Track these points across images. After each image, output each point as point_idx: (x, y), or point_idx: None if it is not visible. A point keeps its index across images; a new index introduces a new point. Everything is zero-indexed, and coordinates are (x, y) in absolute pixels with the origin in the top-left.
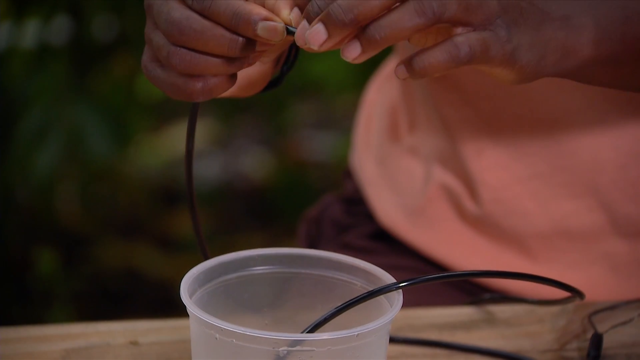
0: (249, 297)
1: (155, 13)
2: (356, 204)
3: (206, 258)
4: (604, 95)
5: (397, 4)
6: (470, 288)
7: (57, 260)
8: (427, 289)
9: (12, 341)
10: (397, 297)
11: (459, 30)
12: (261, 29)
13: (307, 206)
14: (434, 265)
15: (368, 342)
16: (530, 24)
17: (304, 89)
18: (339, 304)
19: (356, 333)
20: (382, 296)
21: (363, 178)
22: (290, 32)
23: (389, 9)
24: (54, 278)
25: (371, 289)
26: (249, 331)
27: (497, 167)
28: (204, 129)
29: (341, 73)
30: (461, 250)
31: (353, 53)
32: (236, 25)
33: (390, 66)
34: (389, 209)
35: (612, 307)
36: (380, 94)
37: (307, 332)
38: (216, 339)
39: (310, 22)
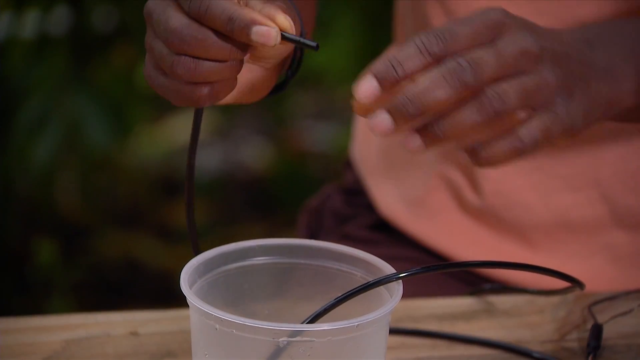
0: (249, 287)
1: (154, 22)
2: (356, 195)
3: (196, 254)
4: None
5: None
6: (470, 279)
7: (56, 251)
8: (427, 279)
9: (12, 332)
10: (397, 287)
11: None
12: (254, 33)
13: (307, 197)
14: (435, 256)
15: (368, 333)
16: (581, 88)
17: (305, 80)
18: (339, 295)
19: (356, 324)
20: (382, 287)
21: (363, 169)
22: (285, 38)
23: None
24: (54, 268)
25: (371, 279)
26: (248, 322)
27: None
28: (204, 119)
29: (341, 63)
30: (462, 241)
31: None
32: (231, 30)
33: None
34: (389, 199)
35: (612, 298)
36: None
37: (307, 323)
38: (216, 329)
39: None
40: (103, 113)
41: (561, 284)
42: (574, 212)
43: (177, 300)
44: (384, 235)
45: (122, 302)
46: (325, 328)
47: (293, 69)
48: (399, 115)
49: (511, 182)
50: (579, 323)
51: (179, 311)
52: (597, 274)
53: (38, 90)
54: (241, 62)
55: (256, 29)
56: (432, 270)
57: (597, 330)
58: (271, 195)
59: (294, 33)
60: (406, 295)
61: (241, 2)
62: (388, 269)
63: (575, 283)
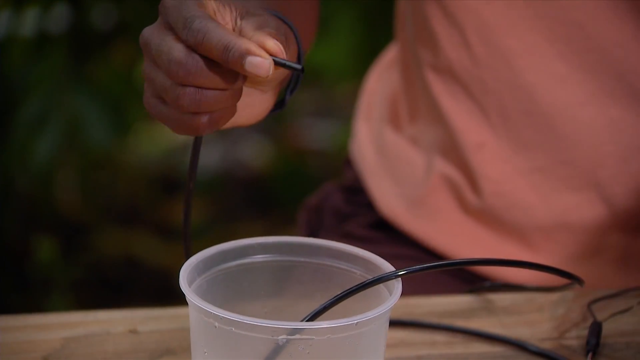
0: (248, 285)
1: (154, 52)
2: (356, 193)
3: (187, 258)
4: (604, 90)
5: None
6: (469, 277)
7: (56, 249)
8: (426, 277)
9: (11, 329)
10: (397, 285)
11: None
12: (248, 64)
13: (307, 195)
14: (434, 255)
15: (367, 331)
16: None
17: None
18: (339, 293)
19: (355, 322)
20: (381, 285)
21: (363, 167)
22: (278, 64)
23: None
24: (53, 266)
25: (370, 277)
26: (248, 319)
27: (498, 160)
28: None
29: (341, 61)
30: (462, 241)
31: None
32: (226, 59)
33: (390, 54)
34: (389, 198)
35: (612, 296)
36: (381, 83)
37: (306, 321)
38: (215, 327)
39: None
40: (103, 111)
41: (560, 281)
42: (574, 214)
43: (177, 298)
44: (384, 233)
45: (121, 299)
46: (325, 326)
47: (290, 89)
48: None
49: (511, 183)
50: (578, 321)
51: (178, 309)
52: (597, 276)
53: (37, 89)
54: (240, 89)
55: (250, 60)
56: (431, 268)
57: (596, 328)
58: (271, 193)
59: (284, 57)
60: (405, 293)
61: (235, 29)
62: (387, 267)
63: (575, 280)
